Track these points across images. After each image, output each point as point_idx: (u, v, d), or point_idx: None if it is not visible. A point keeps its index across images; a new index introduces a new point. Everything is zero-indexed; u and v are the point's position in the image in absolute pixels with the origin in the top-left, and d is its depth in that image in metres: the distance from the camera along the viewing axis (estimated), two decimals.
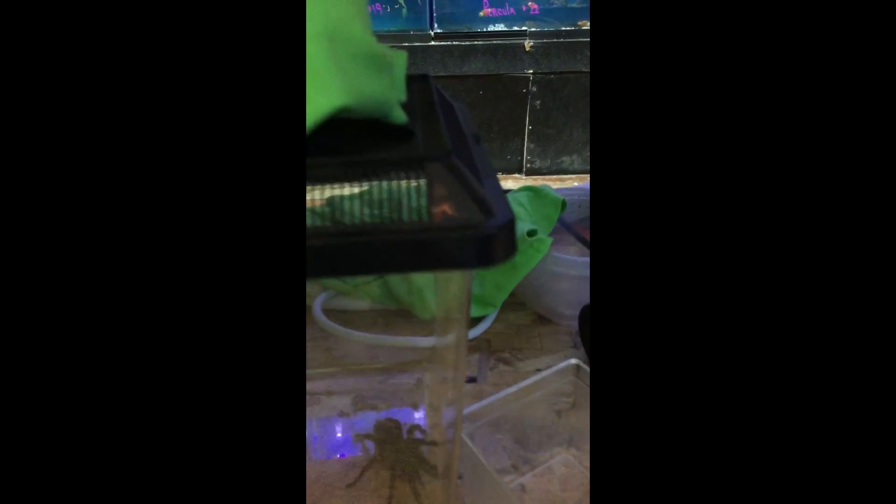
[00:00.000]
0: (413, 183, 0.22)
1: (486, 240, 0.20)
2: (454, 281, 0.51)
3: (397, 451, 0.39)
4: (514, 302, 0.58)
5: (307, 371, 0.50)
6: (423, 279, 0.54)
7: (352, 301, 0.57)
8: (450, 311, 0.51)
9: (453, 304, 0.48)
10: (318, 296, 0.56)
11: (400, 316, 0.57)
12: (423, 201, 0.21)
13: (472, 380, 0.49)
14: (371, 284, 0.56)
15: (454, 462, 0.32)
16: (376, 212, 0.22)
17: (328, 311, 0.56)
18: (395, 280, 0.55)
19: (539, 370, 0.48)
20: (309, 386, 0.48)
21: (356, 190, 0.22)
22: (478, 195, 0.22)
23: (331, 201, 0.22)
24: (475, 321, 0.54)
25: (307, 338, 0.54)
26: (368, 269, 0.20)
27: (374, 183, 0.22)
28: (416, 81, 0.33)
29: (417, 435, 0.40)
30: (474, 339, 0.53)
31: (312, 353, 0.53)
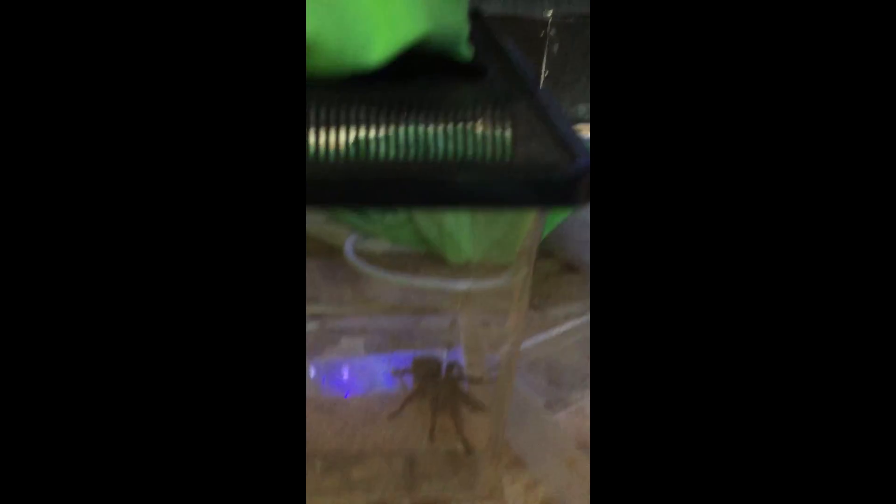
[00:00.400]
0: (498, 122, 0.22)
1: (570, 181, 0.21)
2: (524, 221, 0.52)
3: (437, 385, 0.40)
4: (541, 250, 0.58)
5: (338, 308, 0.52)
6: (455, 222, 0.55)
7: (380, 244, 0.58)
8: (506, 253, 0.52)
9: (523, 243, 0.49)
10: (349, 237, 0.57)
11: (429, 260, 0.58)
12: (509, 140, 0.22)
13: (500, 324, 0.50)
14: (402, 228, 0.57)
15: (505, 399, 0.34)
16: (460, 149, 0.22)
17: (357, 254, 0.57)
18: (425, 223, 0.56)
19: (568, 316, 0.49)
20: (341, 324, 0.50)
21: (440, 127, 0.22)
22: (560, 135, 0.22)
23: (415, 137, 0.22)
24: (503, 268, 0.55)
25: (338, 278, 0.56)
26: (454, 202, 0.21)
27: (460, 122, 0.22)
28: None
29: (456, 372, 0.42)
30: (500, 286, 0.55)
31: (343, 292, 0.54)
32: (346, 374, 0.44)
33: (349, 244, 0.57)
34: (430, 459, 0.38)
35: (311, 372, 0.45)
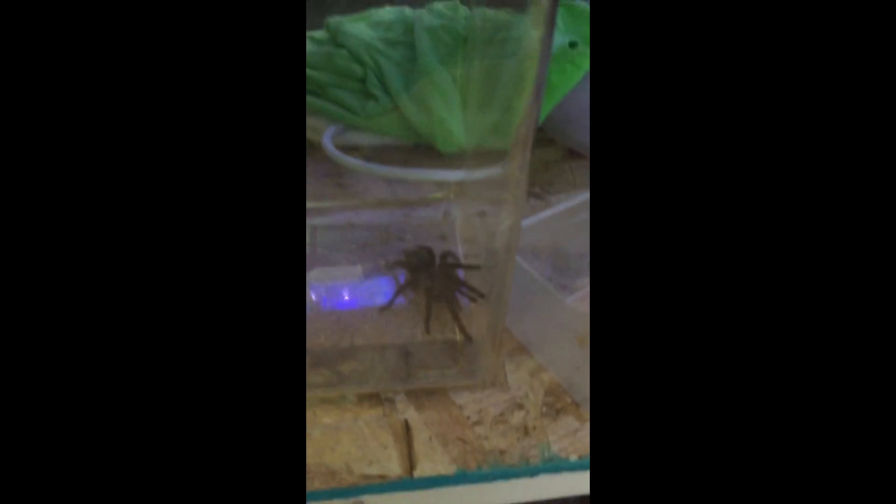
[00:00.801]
0: None
1: None
2: (519, 104, 0.47)
3: (431, 275, 0.37)
4: (542, 138, 0.54)
5: (324, 204, 0.48)
6: (446, 108, 0.50)
7: (363, 136, 0.53)
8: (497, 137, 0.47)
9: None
10: (327, 130, 0.52)
11: (417, 152, 0.53)
12: None
13: (496, 215, 0.47)
14: (386, 116, 0.52)
15: (505, 284, 0.30)
16: None
17: (338, 149, 0.52)
18: (412, 111, 0.51)
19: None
20: (327, 220, 0.46)
21: None
22: None
23: None
24: (500, 155, 0.51)
25: (318, 174, 0.51)
26: None
27: None
28: None
29: (451, 261, 0.38)
30: (496, 175, 0.50)
31: (325, 189, 0.50)
32: (334, 292, 0.41)
33: (328, 136, 0.52)
34: (427, 350, 0.35)
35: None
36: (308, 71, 0.53)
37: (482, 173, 0.49)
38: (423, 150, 0.54)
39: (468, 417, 0.32)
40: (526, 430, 0.31)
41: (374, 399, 0.33)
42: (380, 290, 0.39)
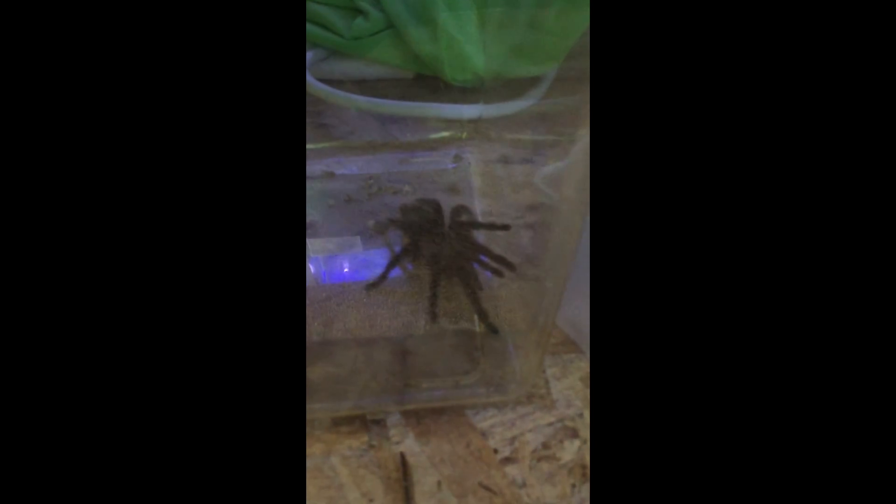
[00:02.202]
0: None
1: None
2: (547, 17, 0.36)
3: (438, 239, 0.26)
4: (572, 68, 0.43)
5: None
6: (457, 26, 0.39)
7: (352, 65, 0.42)
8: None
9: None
10: (307, 53, 0.41)
11: (419, 86, 0.42)
12: None
13: (525, 160, 0.36)
14: (378, 38, 0.41)
15: (567, 250, 0.20)
16: None
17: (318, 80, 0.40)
18: (413, 30, 0.39)
19: None
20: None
21: None
22: None
23: None
24: (525, 84, 0.40)
25: None
26: None
27: None
28: None
29: (465, 218, 0.28)
30: (523, 110, 0.39)
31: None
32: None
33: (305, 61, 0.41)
34: (433, 348, 0.25)
35: None
36: None
37: (509, 107, 0.37)
38: (425, 82, 0.43)
39: (495, 451, 0.22)
40: (584, 472, 0.21)
41: (357, 421, 0.23)
42: (367, 260, 0.29)
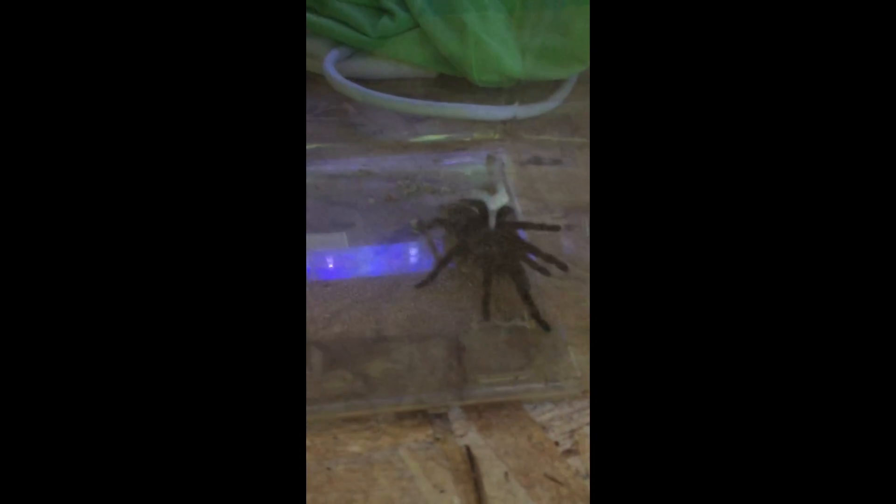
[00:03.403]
0: None
1: None
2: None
3: (486, 239, 0.27)
4: None
5: (327, 146, 0.37)
6: (484, 27, 0.39)
7: (375, 64, 0.42)
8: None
9: None
10: (328, 54, 0.41)
11: (442, 85, 0.43)
12: None
13: (555, 161, 0.37)
14: (403, 37, 0.41)
15: None
16: None
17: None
18: (440, 29, 0.40)
19: None
20: (334, 167, 0.36)
21: None
22: None
23: None
24: (550, 86, 0.41)
25: (317, 111, 0.41)
26: None
27: None
28: None
29: (511, 218, 0.29)
30: (549, 112, 0.40)
31: (329, 130, 0.39)
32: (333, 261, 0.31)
33: (330, 61, 0.41)
34: (487, 344, 0.26)
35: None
36: None
37: (539, 108, 0.39)
38: (448, 82, 0.44)
39: (556, 443, 0.23)
40: None
41: (419, 415, 0.24)
42: (412, 259, 0.30)
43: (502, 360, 0.25)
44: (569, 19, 0.39)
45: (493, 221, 0.29)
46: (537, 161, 0.36)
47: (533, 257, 0.27)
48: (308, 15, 0.42)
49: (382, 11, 0.42)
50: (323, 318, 0.26)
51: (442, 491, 0.21)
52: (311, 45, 0.42)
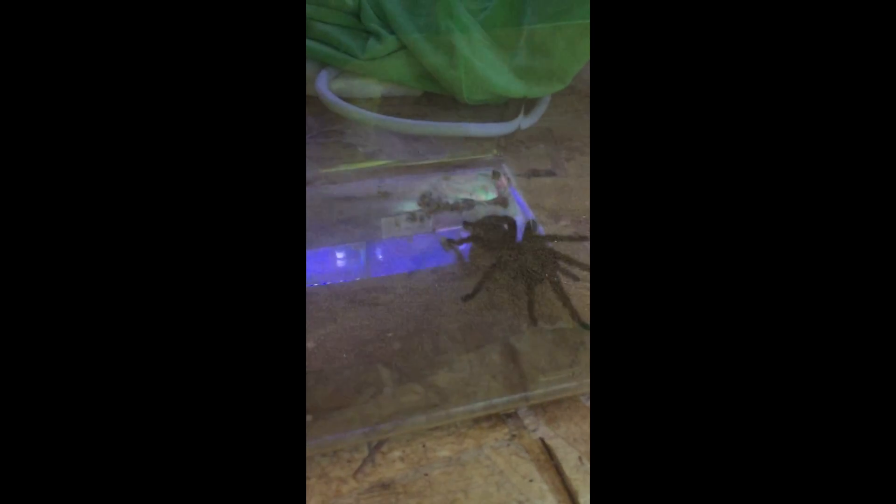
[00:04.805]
0: None
1: None
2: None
3: (520, 252, 0.31)
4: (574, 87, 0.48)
5: (339, 168, 0.39)
6: (471, 49, 0.42)
7: (362, 84, 0.44)
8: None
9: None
10: (319, 74, 0.42)
11: (432, 104, 0.45)
12: None
13: (550, 173, 0.41)
14: (392, 59, 0.43)
15: None
16: None
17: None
18: (428, 51, 0.43)
19: None
20: (346, 189, 0.37)
21: None
22: None
23: None
24: (528, 105, 0.45)
25: (311, 132, 0.42)
26: None
27: None
28: None
29: (539, 231, 0.32)
30: (530, 128, 0.44)
31: (330, 150, 0.41)
32: (381, 252, 0.33)
33: (322, 82, 0.42)
34: (536, 346, 0.29)
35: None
36: None
37: (527, 122, 0.42)
38: (434, 100, 0.46)
39: None
40: None
41: (493, 418, 0.26)
42: (449, 273, 0.32)
43: (553, 359, 0.28)
44: (548, 40, 0.43)
45: (520, 235, 0.32)
46: (535, 174, 0.40)
47: (562, 264, 0.31)
48: None
49: (368, 33, 0.44)
50: (382, 338, 0.29)
51: (531, 480, 0.24)
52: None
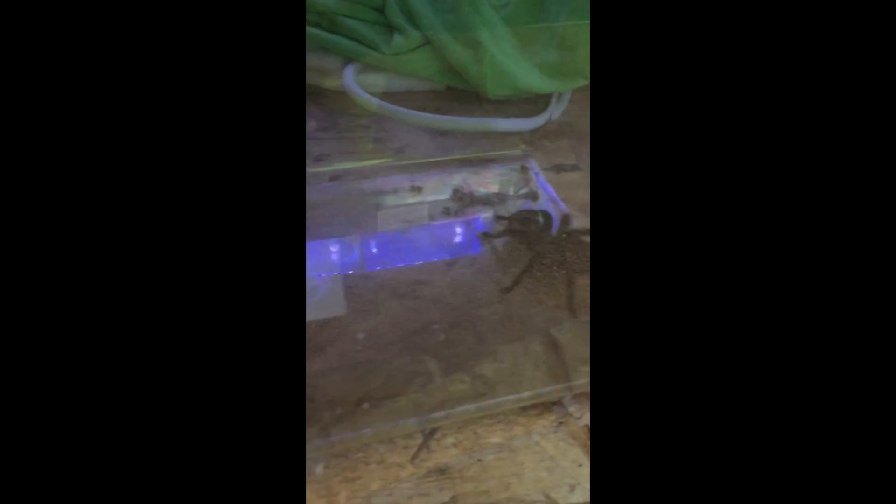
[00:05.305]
0: None
1: None
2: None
3: (558, 246, 0.32)
4: None
5: (369, 163, 0.39)
6: (496, 44, 0.43)
7: (383, 78, 0.45)
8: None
9: None
10: (346, 68, 0.43)
11: (455, 99, 0.46)
12: None
13: (575, 168, 0.42)
14: (417, 54, 0.44)
15: None
16: None
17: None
18: (453, 46, 0.43)
19: None
20: (380, 183, 0.38)
21: None
22: None
23: None
24: (547, 101, 0.46)
25: (340, 129, 0.42)
26: None
27: None
28: None
29: (574, 226, 0.33)
30: (551, 123, 0.45)
31: (358, 145, 0.41)
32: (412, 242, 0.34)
33: (349, 76, 0.43)
34: (576, 336, 0.30)
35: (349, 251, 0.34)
36: None
37: (544, 119, 0.43)
38: (456, 94, 0.47)
39: None
40: None
41: (539, 406, 0.27)
42: (486, 265, 0.33)
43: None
44: (572, 36, 0.44)
45: (555, 227, 0.33)
46: (561, 168, 0.41)
47: None
48: (321, 32, 0.43)
49: (392, 28, 0.45)
50: (427, 329, 0.29)
51: (580, 465, 0.25)
52: (325, 61, 0.44)
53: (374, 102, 0.41)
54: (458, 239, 0.34)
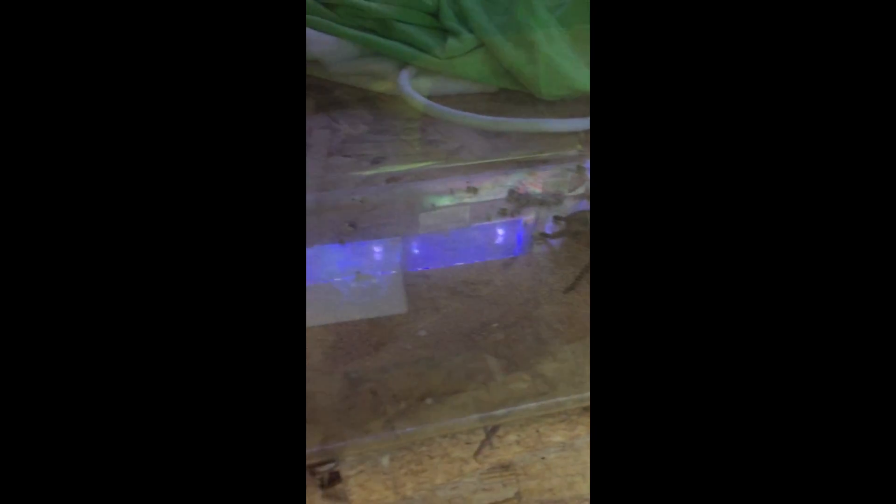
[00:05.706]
0: None
1: None
2: None
3: None
4: None
5: (425, 165, 0.40)
6: (550, 44, 0.43)
7: (437, 81, 0.46)
8: None
9: None
10: (401, 72, 0.44)
11: (509, 100, 0.46)
12: None
13: None
14: (471, 56, 0.45)
15: None
16: None
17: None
18: (506, 47, 0.44)
19: None
20: (436, 185, 0.39)
21: None
22: None
23: None
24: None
25: (396, 131, 0.43)
26: None
27: None
28: None
29: None
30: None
31: (413, 148, 0.42)
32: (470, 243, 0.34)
33: (404, 79, 0.44)
34: None
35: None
36: (364, 2, 0.45)
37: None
38: (509, 96, 0.47)
39: None
40: None
41: None
42: (545, 266, 0.33)
43: None
44: None
45: None
46: None
47: None
48: (376, 38, 0.45)
49: (446, 32, 0.45)
50: (486, 328, 0.30)
51: None
52: (380, 66, 0.45)
53: (432, 106, 0.42)
54: (514, 239, 0.35)
